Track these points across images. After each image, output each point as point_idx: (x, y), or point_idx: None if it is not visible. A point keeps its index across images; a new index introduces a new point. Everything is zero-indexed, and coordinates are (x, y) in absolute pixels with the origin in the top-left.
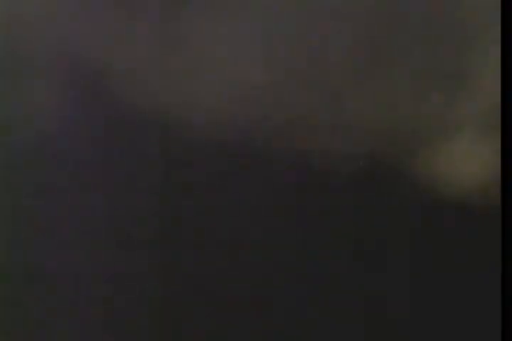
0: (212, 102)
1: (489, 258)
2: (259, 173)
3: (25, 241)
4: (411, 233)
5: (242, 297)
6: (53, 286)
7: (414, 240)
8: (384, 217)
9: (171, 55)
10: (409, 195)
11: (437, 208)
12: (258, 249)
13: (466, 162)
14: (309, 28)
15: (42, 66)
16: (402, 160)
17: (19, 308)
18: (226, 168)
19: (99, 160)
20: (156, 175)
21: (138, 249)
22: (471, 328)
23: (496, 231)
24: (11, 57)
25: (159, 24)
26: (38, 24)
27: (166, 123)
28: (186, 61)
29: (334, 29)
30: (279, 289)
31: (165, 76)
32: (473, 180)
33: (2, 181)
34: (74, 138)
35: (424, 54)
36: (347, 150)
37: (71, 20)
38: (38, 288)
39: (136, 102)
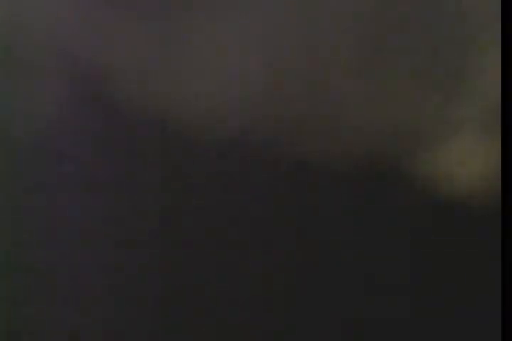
0: (213, 102)
1: (489, 258)
2: (259, 173)
3: (26, 241)
4: (411, 233)
5: (242, 296)
6: (53, 286)
7: (414, 240)
8: (384, 216)
9: (171, 55)
10: (409, 194)
11: (437, 208)
12: (258, 248)
13: (466, 162)
14: (309, 27)
15: (42, 66)
16: (402, 160)
17: (19, 308)
18: (226, 168)
19: (99, 160)
20: (156, 175)
21: (138, 249)
22: (471, 328)
23: (496, 231)
24: (11, 58)
25: (159, 24)
26: (38, 24)
27: (166, 123)
28: (186, 61)
29: (334, 29)
30: (279, 289)
31: (165, 76)
32: (473, 180)
33: (2, 181)
34: (74, 138)
35: (424, 54)
36: (347, 151)
37: (71, 21)
38: (37, 288)
39: (136, 102)
